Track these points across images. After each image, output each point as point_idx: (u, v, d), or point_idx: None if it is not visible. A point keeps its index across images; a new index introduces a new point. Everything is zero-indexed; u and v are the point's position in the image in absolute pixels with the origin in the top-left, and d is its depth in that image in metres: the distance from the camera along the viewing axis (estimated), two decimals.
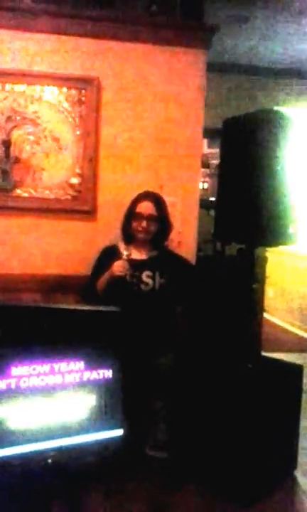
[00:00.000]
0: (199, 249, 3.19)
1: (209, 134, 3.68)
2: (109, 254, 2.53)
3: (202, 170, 4.43)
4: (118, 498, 2.24)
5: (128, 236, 2.57)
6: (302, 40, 4.38)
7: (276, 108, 2.69)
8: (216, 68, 3.72)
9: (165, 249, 2.68)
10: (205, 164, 4.54)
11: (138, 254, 2.56)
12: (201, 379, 2.48)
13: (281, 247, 2.71)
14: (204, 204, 3.30)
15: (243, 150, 2.43)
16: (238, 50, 4.63)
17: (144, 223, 2.50)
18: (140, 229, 2.52)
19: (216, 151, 3.95)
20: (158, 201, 2.55)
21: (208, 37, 2.87)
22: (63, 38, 2.74)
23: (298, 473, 2.59)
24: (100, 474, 2.27)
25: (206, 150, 4.58)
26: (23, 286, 2.68)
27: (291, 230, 2.51)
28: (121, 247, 2.48)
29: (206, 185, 4.72)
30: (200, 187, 4.22)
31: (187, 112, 2.89)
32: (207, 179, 4.73)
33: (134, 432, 2.23)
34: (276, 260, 5.49)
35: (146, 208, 2.51)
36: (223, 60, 4.70)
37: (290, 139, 2.44)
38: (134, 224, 2.53)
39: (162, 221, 2.57)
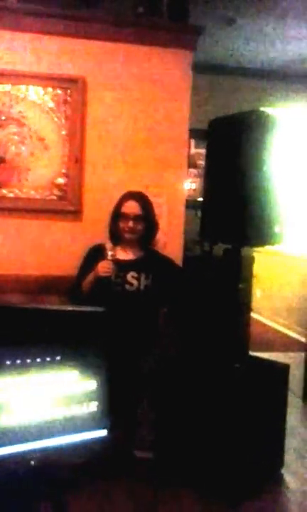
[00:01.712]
0: (187, 250, 3.19)
1: (196, 134, 3.68)
2: (96, 253, 2.52)
3: (191, 170, 4.45)
4: (104, 500, 2.23)
5: (116, 236, 2.57)
6: (287, 42, 4.41)
7: (262, 109, 2.70)
8: (202, 69, 3.72)
9: (151, 250, 2.68)
10: (193, 165, 4.54)
11: (124, 255, 2.55)
12: (188, 379, 2.48)
13: (268, 247, 2.72)
14: (192, 204, 3.30)
15: (229, 150, 2.44)
16: (224, 51, 4.64)
17: (130, 223, 2.50)
18: (127, 229, 2.51)
19: (204, 151, 3.96)
20: (143, 200, 2.55)
21: (194, 38, 2.88)
22: (49, 37, 2.73)
23: (285, 472, 2.60)
24: (86, 475, 2.26)
25: (193, 150, 4.58)
26: (8, 287, 2.66)
27: (276, 229, 2.52)
28: (108, 246, 2.47)
29: (194, 186, 4.72)
30: (188, 187, 4.24)
31: (173, 112, 2.89)
32: (195, 180, 4.73)
33: (121, 433, 2.23)
34: (264, 260, 5.52)
35: (131, 207, 2.51)
36: (209, 61, 4.71)
37: (276, 139, 2.45)
38: (121, 224, 2.52)
39: (148, 220, 2.56)
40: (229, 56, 4.78)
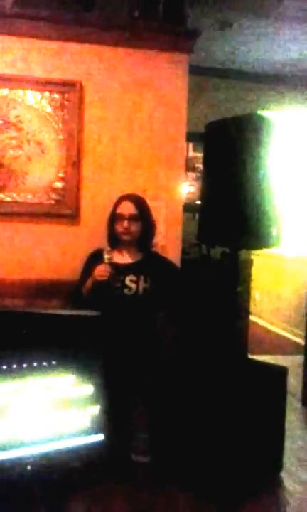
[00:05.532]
0: (185, 253, 3.19)
1: (194, 137, 3.69)
2: (95, 258, 2.52)
3: (189, 174, 4.46)
4: (101, 504, 2.22)
5: (114, 239, 2.57)
6: (283, 46, 4.43)
7: (258, 112, 2.70)
8: (199, 72, 3.74)
9: (150, 253, 2.67)
10: (191, 168, 4.56)
11: (122, 258, 2.55)
12: (186, 382, 2.47)
13: (266, 250, 2.72)
14: (190, 208, 3.30)
15: (226, 154, 2.44)
16: (221, 54, 4.66)
17: (126, 223, 2.49)
18: (122, 230, 2.51)
19: (202, 154, 3.97)
20: (138, 201, 2.55)
21: (190, 41, 2.89)
22: (45, 42, 2.74)
23: (284, 475, 2.59)
24: (83, 480, 2.25)
25: (192, 154, 4.59)
26: (5, 292, 2.65)
27: (274, 232, 2.52)
28: (105, 250, 2.48)
29: (192, 189, 4.73)
30: (186, 191, 4.25)
31: (170, 115, 2.90)
32: (193, 183, 4.74)
33: (118, 437, 2.22)
34: (262, 263, 5.53)
35: (126, 208, 2.51)
36: (206, 64, 4.73)
37: (272, 142, 2.46)
38: (117, 226, 2.52)
39: (144, 221, 2.56)
40: (225, 59, 4.80)
